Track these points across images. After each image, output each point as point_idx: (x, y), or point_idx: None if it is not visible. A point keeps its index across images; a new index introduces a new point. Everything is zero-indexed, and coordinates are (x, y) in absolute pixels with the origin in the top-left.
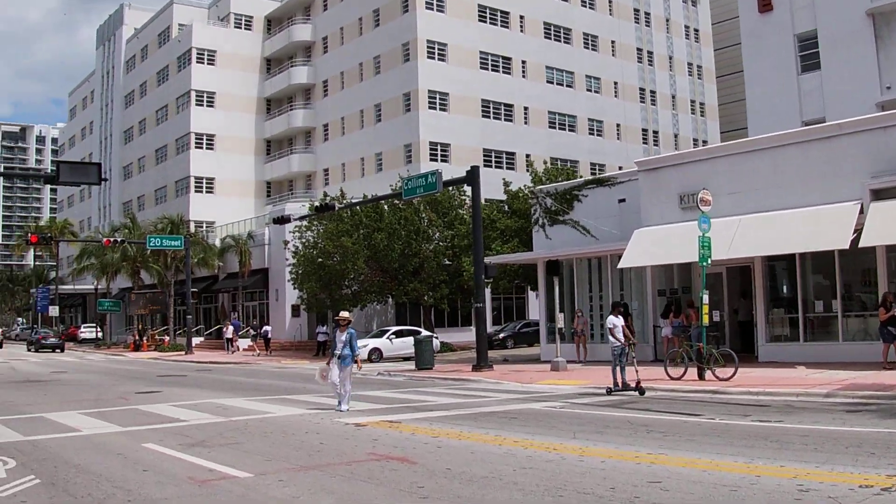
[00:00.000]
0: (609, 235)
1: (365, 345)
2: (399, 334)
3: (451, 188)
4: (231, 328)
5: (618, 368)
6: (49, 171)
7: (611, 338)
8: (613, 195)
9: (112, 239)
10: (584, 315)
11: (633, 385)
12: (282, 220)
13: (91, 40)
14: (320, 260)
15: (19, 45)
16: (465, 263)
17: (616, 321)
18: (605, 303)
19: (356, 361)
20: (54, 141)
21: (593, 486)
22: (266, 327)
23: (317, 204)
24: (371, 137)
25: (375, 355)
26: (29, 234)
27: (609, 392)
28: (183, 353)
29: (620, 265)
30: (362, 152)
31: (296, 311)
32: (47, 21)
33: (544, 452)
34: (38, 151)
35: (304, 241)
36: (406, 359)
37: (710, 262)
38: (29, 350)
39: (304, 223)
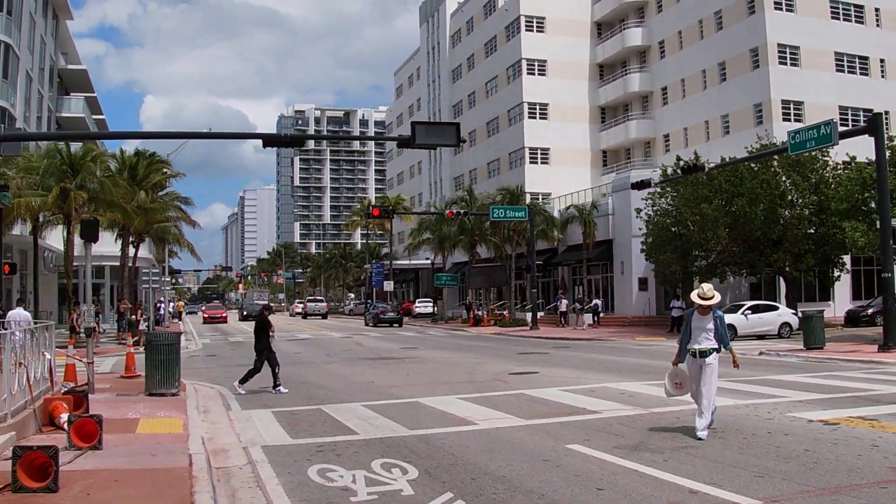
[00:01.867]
0: None
1: None
2: (755, 310)
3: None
4: (564, 302)
5: None
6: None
7: None
8: None
9: (455, 211)
10: None
11: None
12: (641, 185)
13: (406, 26)
14: (674, 229)
15: (340, 37)
16: (846, 229)
17: None
18: None
19: (733, 360)
20: (377, 123)
21: None
22: (596, 301)
23: (670, 168)
24: (715, 99)
25: (729, 333)
26: (371, 208)
27: None
28: (525, 328)
29: None
30: (705, 115)
31: (643, 284)
32: (364, 12)
33: None
34: (362, 134)
35: (656, 209)
36: (760, 337)
37: None
38: (366, 325)
39: (657, 190)
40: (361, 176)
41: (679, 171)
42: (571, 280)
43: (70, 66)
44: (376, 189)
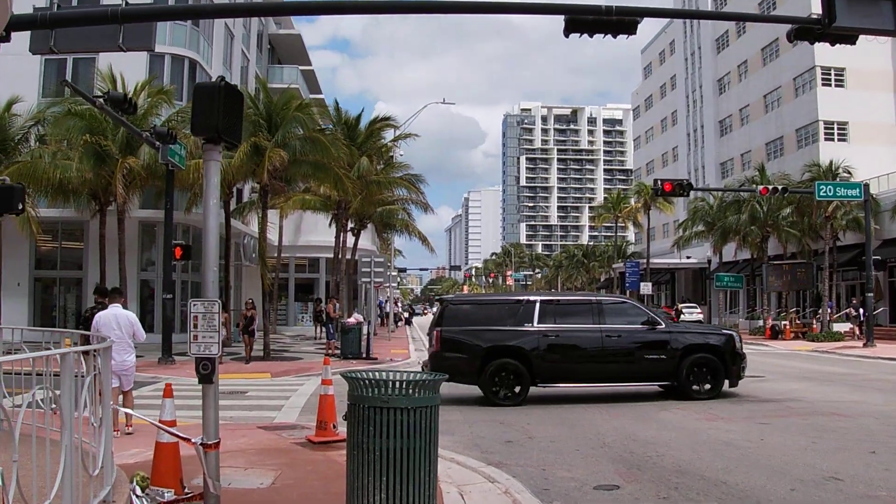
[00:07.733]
0: None
1: None
2: None
3: None
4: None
5: None
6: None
7: None
8: None
9: (772, 187)
10: None
11: None
12: None
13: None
14: None
15: (568, 45)
16: None
17: None
18: None
19: None
20: (605, 121)
21: None
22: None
23: None
24: None
25: None
26: (662, 184)
27: None
28: (842, 343)
29: None
30: None
31: None
32: None
33: None
34: (590, 132)
35: None
36: None
37: None
38: None
39: None
40: (590, 175)
41: None
42: (888, 283)
43: (282, 31)
44: (605, 189)
